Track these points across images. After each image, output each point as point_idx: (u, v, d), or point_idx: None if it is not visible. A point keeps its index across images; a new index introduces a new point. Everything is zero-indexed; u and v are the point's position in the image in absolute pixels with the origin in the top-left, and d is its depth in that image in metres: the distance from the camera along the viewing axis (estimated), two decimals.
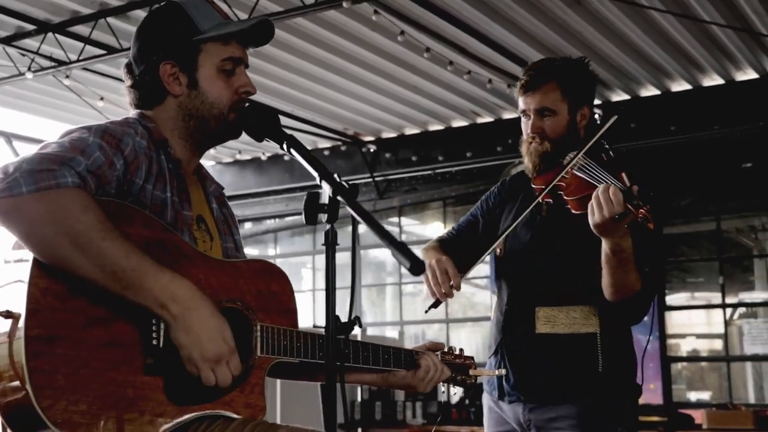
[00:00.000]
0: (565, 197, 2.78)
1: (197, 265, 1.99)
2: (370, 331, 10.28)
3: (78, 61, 7.44)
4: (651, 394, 8.90)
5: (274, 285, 2.15)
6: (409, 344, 11.13)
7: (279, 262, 12.69)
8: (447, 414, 8.71)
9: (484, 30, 7.21)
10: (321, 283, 11.18)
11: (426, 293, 2.91)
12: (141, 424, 1.81)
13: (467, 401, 8.56)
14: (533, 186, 2.95)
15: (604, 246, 2.67)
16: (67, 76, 7.83)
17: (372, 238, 11.32)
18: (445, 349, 2.59)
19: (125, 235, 1.83)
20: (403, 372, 2.42)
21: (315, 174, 1.91)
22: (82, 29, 7.23)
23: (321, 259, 10.76)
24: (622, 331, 2.95)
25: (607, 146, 2.86)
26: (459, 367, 2.62)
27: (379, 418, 8.72)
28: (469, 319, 10.85)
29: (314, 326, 3.56)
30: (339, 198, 1.82)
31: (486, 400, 3.15)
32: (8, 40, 7.41)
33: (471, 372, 2.65)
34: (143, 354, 1.85)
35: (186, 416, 1.90)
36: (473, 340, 10.68)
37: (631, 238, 2.63)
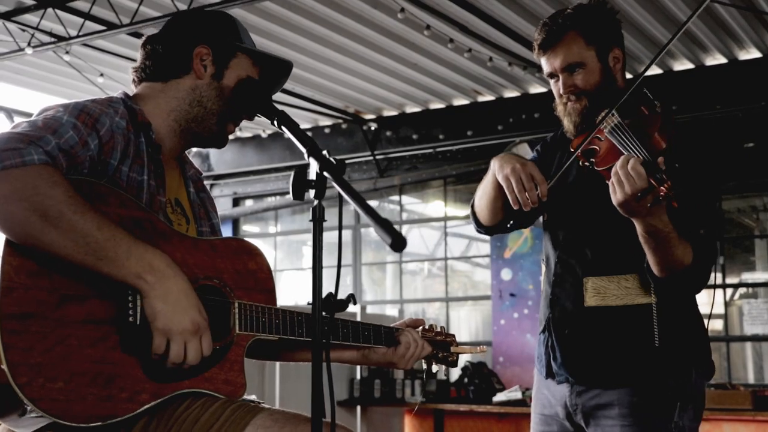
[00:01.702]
0: (596, 167, 2.51)
1: (173, 244, 1.99)
2: (370, 309, 10.29)
3: (78, 36, 7.39)
4: None
5: (251, 263, 2.15)
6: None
7: (279, 240, 12.75)
8: (446, 392, 8.72)
9: (485, 7, 7.16)
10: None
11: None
12: (120, 401, 1.82)
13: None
14: (571, 149, 2.68)
15: (637, 227, 2.43)
16: (67, 52, 7.79)
17: None
18: (426, 326, 2.58)
19: (100, 213, 1.83)
20: (384, 349, 2.42)
21: (303, 149, 1.92)
22: (81, 5, 7.19)
23: (323, 237, 10.74)
24: (684, 301, 2.68)
25: (650, 96, 2.61)
26: (440, 344, 2.60)
27: (378, 396, 8.72)
28: (469, 297, 10.84)
29: (308, 303, 3.55)
30: (325, 174, 1.81)
31: (536, 377, 2.91)
32: (8, 15, 7.38)
33: (452, 349, 2.62)
34: (119, 331, 1.85)
35: (166, 394, 1.89)
36: (473, 319, 10.68)
37: (677, 206, 2.32)
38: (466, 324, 10.67)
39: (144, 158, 2.07)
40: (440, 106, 9.93)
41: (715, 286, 9.14)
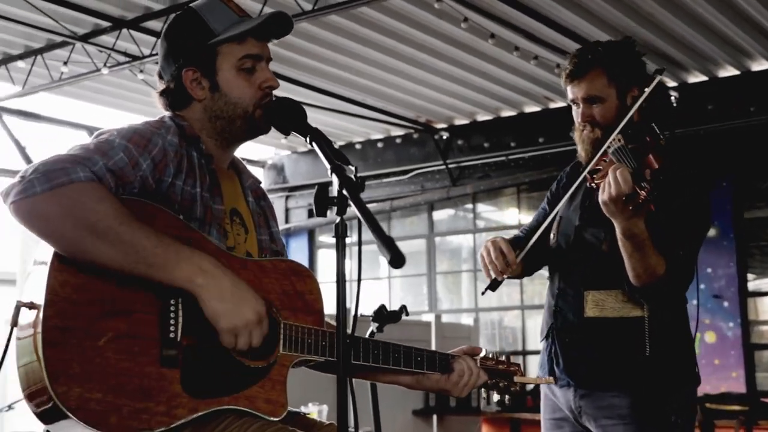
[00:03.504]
0: (595, 182, 2.75)
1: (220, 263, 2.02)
2: (446, 318, 10.26)
3: (151, 55, 7.62)
4: (733, 382, 8.67)
5: (300, 284, 2.16)
6: (485, 331, 11.11)
7: (356, 249, 12.63)
8: (522, 401, 8.64)
9: (549, 13, 7.11)
10: (395, 271, 11.22)
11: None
12: (156, 415, 1.85)
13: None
14: (581, 171, 2.91)
15: (617, 229, 2.65)
16: (141, 71, 8.03)
17: (446, 224, 11.31)
18: (489, 355, 2.54)
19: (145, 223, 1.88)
20: (437, 375, 2.40)
21: (327, 166, 1.94)
22: (154, 24, 7.42)
23: (399, 247, 10.77)
24: (674, 315, 2.90)
25: (657, 130, 2.80)
26: (502, 373, 2.54)
27: (454, 406, 8.70)
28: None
29: (361, 315, 3.57)
30: (344, 192, 1.84)
31: (543, 386, 3.12)
32: (86, 38, 7.66)
33: (516, 379, 2.56)
34: (160, 346, 1.89)
35: (203, 409, 1.93)
36: None
37: (658, 219, 2.60)
38: None
39: (196, 170, 2.11)
40: (511, 113, 9.88)
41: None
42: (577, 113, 2.93)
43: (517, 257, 2.86)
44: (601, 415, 2.86)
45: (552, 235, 3.05)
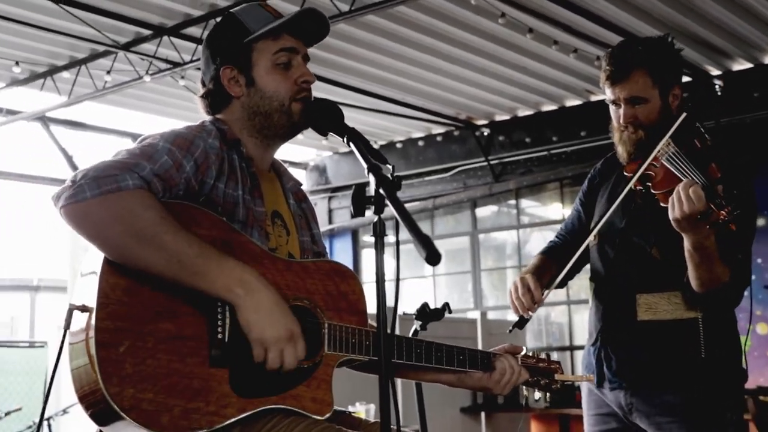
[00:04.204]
0: (652, 190, 2.74)
1: (264, 265, 2.04)
2: (491, 315, 10.23)
3: (192, 61, 7.72)
4: None
5: (343, 285, 2.18)
6: (531, 327, 11.05)
7: (401, 247, 12.67)
8: (571, 397, 8.60)
9: (589, 5, 7.05)
10: (440, 269, 11.23)
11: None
12: (206, 414, 1.88)
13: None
14: (625, 173, 2.88)
15: (686, 242, 2.62)
16: (182, 77, 8.14)
17: (490, 221, 11.28)
18: (530, 353, 2.55)
19: (191, 232, 1.92)
20: (479, 374, 2.41)
21: (364, 166, 1.96)
22: (194, 31, 7.51)
23: (442, 245, 10.80)
24: (726, 315, 2.88)
25: (702, 130, 2.78)
26: (542, 371, 2.56)
27: (501, 403, 8.69)
28: None
29: (404, 314, 3.58)
30: (381, 191, 1.86)
31: (586, 384, 3.11)
32: (128, 46, 7.79)
33: (556, 377, 2.58)
34: (209, 347, 1.93)
35: (251, 409, 1.95)
36: None
37: (735, 228, 2.55)
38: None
39: (238, 173, 2.15)
40: (552, 107, 9.82)
41: None
42: (617, 114, 2.89)
43: (544, 294, 2.85)
44: (654, 412, 2.84)
45: (593, 236, 3.01)
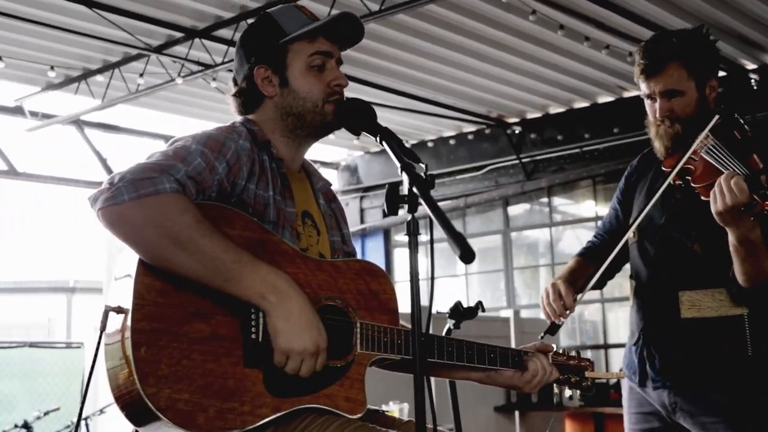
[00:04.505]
0: (692, 184, 2.68)
1: (296, 265, 2.06)
2: (524, 313, 10.19)
3: (223, 63, 7.77)
4: None
5: (374, 284, 2.19)
6: (565, 325, 10.93)
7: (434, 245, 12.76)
8: (605, 395, 8.55)
9: (621, 1, 6.99)
10: (472, 267, 11.20)
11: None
12: (241, 414, 1.90)
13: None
14: (663, 168, 2.83)
15: (730, 236, 2.56)
16: (214, 79, 8.19)
17: (522, 219, 11.23)
18: (560, 350, 2.55)
19: (225, 235, 1.93)
20: (510, 372, 2.41)
21: (397, 164, 1.97)
22: (225, 33, 7.55)
23: (474, 243, 10.78)
24: None
25: (741, 121, 2.73)
26: (573, 369, 2.55)
27: (535, 401, 8.65)
28: (625, 298, 10.54)
29: (437, 312, 3.57)
30: (414, 189, 1.85)
31: (627, 382, 3.05)
32: (160, 49, 7.85)
33: (587, 374, 2.57)
34: (243, 347, 1.94)
35: (286, 408, 1.96)
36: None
37: (762, 224, 2.50)
38: (623, 325, 10.40)
39: (268, 174, 2.16)
40: (584, 104, 9.76)
41: None
42: (653, 108, 2.84)
43: (576, 299, 2.82)
44: (699, 412, 2.79)
45: (631, 233, 2.96)
